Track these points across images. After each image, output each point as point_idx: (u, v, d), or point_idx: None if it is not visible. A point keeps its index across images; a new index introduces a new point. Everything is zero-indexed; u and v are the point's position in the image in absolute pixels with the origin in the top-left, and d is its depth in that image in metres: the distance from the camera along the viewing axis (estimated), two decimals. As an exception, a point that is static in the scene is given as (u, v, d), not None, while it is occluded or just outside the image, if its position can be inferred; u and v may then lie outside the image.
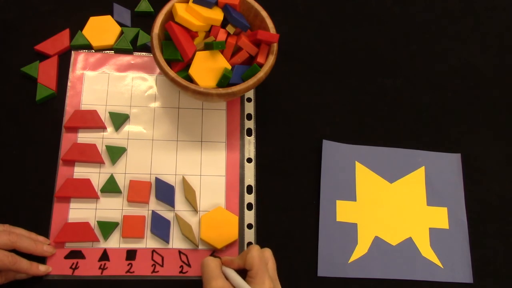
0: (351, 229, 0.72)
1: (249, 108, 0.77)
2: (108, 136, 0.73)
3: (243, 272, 0.60)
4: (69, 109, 0.73)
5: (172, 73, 0.66)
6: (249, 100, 0.77)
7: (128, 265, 0.67)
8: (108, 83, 0.75)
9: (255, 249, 0.59)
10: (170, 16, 0.70)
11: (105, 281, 0.66)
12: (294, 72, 0.80)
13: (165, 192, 0.70)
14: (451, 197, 0.76)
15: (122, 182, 0.70)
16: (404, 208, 0.74)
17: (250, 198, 0.72)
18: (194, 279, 0.67)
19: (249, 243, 0.70)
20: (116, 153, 0.71)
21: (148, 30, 0.73)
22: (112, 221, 0.68)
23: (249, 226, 0.71)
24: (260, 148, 0.75)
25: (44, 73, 0.74)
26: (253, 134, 0.76)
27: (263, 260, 0.59)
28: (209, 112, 0.76)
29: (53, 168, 0.70)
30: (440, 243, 0.73)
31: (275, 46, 0.70)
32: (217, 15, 0.70)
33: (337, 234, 0.72)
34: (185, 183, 0.71)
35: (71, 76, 0.75)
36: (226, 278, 0.59)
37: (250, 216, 0.71)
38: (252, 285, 0.57)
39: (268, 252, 0.62)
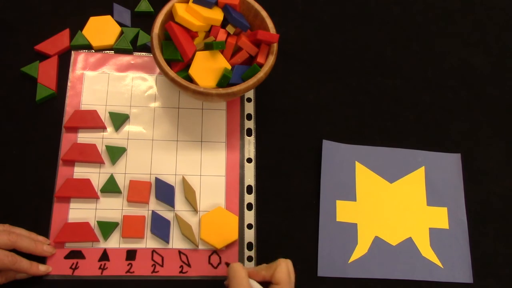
0: (351, 229, 0.72)
1: (249, 108, 0.77)
2: (108, 136, 0.73)
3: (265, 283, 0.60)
4: (69, 109, 0.73)
5: (172, 73, 0.66)
6: (249, 100, 0.77)
7: (128, 265, 0.67)
8: (108, 83, 0.75)
9: (285, 264, 0.59)
10: (170, 16, 0.70)
11: (105, 281, 0.66)
12: (294, 72, 0.80)
13: (165, 192, 0.70)
14: (451, 197, 0.76)
15: (122, 182, 0.70)
16: (404, 208, 0.74)
17: (250, 198, 0.72)
18: (194, 279, 0.67)
19: (249, 243, 0.70)
20: (116, 153, 0.71)
21: (148, 30, 0.73)
22: (112, 221, 0.68)
23: (249, 226, 0.71)
24: (260, 148, 0.75)
25: (44, 73, 0.74)
26: (253, 134, 0.76)
27: (290, 276, 0.59)
28: (209, 112, 0.76)
29: (53, 168, 0.70)
30: (440, 243, 0.73)
31: (275, 46, 0.70)
32: (217, 15, 0.70)
33: (337, 234, 0.72)
34: (185, 183, 0.71)
35: (71, 76, 0.75)
36: None
37: (250, 216, 0.71)
38: None
39: (291, 266, 0.61)
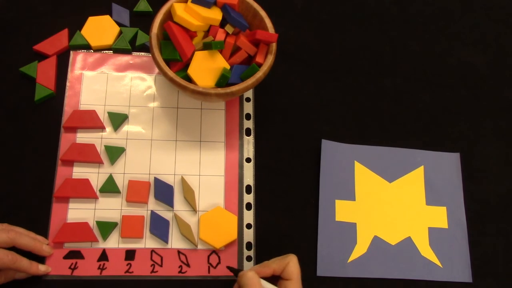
0: (350, 228, 0.72)
1: (248, 108, 0.77)
2: (107, 136, 0.73)
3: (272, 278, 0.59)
4: (67, 109, 0.73)
5: (171, 73, 0.66)
6: (248, 100, 0.77)
7: (127, 265, 0.67)
8: (106, 83, 0.75)
9: (296, 259, 0.59)
10: (169, 16, 0.70)
11: (104, 281, 0.66)
12: (293, 72, 0.80)
13: (164, 192, 0.70)
14: (450, 196, 0.76)
15: (121, 182, 0.70)
16: (403, 208, 0.74)
17: (249, 198, 0.72)
18: (193, 279, 0.67)
19: (248, 243, 0.70)
20: (115, 153, 0.71)
21: (147, 30, 0.73)
22: (111, 221, 0.68)
23: (248, 226, 0.71)
24: (259, 148, 0.75)
25: (43, 73, 0.74)
26: (252, 134, 0.76)
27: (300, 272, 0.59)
28: (208, 112, 0.76)
29: (52, 168, 0.70)
30: (439, 242, 0.73)
31: (274, 46, 0.70)
32: (216, 14, 0.70)
33: (336, 234, 0.72)
34: (184, 183, 0.71)
35: (69, 76, 0.75)
36: None
37: (249, 216, 0.71)
38: None
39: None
